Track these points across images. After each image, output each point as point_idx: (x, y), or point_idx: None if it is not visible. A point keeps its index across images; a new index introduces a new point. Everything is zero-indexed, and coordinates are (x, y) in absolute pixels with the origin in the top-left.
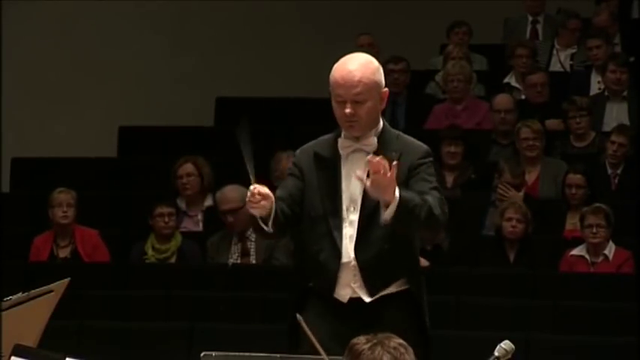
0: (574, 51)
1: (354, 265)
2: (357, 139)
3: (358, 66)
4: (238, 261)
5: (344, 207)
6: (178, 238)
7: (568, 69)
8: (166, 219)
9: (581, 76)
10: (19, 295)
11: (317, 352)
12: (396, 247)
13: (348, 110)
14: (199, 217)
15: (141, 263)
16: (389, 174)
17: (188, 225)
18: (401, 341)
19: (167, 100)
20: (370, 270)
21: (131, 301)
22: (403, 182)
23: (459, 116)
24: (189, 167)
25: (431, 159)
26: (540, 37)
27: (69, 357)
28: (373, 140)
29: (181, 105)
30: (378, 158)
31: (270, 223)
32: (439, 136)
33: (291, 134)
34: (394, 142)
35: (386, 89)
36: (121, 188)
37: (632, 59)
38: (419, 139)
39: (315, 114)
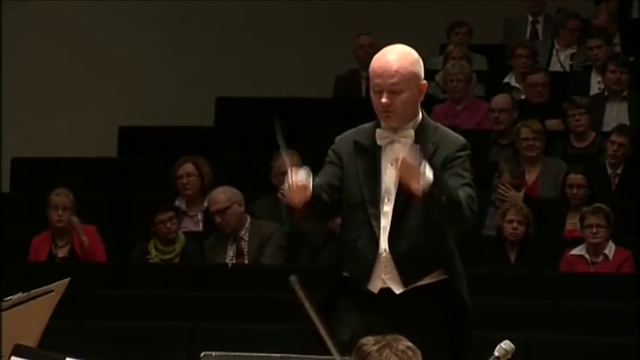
0: (574, 51)
1: (386, 257)
2: (394, 130)
3: (396, 56)
4: (233, 261)
5: (381, 197)
6: (182, 239)
7: (568, 69)
8: (168, 224)
9: (581, 76)
10: (19, 295)
11: (309, 318)
12: (430, 239)
13: (384, 100)
14: (199, 217)
15: (141, 263)
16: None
17: (188, 225)
18: (409, 344)
19: (167, 100)
20: (404, 261)
21: (131, 301)
22: (436, 170)
23: (459, 116)
24: (189, 167)
25: (467, 152)
26: (540, 37)
27: (69, 357)
28: (410, 132)
29: (181, 105)
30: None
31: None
32: None
33: (291, 134)
34: (432, 134)
35: (425, 81)
36: (121, 188)
37: (631, 59)
38: None
39: (316, 114)
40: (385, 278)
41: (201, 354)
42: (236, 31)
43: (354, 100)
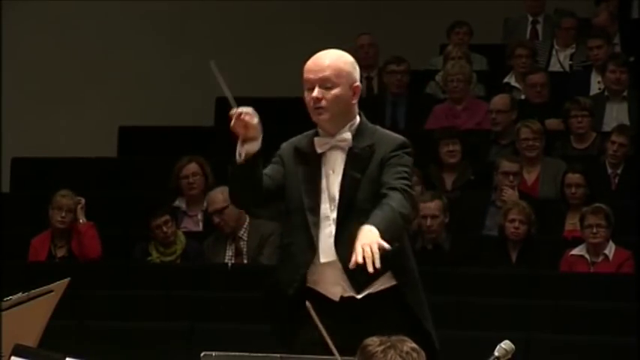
0: (573, 51)
1: (336, 263)
2: (332, 135)
3: (331, 54)
4: (232, 261)
5: (323, 204)
6: (182, 240)
7: (567, 69)
8: (164, 228)
9: (581, 76)
10: (19, 295)
11: (325, 340)
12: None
13: (314, 94)
14: (199, 217)
15: (141, 263)
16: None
17: (188, 225)
18: (414, 345)
19: (167, 100)
20: (351, 272)
21: (131, 301)
22: (377, 176)
23: (459, 116)
24: (194, 167)
25: (406, 150)
26: (540, 37)
27: (69, 357)
28: (348, 136)
29: (181, 105)
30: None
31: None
32: (435, 136)
33: (291, 134)
34: (369, 137)
35: (358, 84)
36: (121, 188)
37: (632, 59)
38: (419, 140)
39: None
40: (344, 285)
41: (201, 354)
42: (236, 31)
43: None
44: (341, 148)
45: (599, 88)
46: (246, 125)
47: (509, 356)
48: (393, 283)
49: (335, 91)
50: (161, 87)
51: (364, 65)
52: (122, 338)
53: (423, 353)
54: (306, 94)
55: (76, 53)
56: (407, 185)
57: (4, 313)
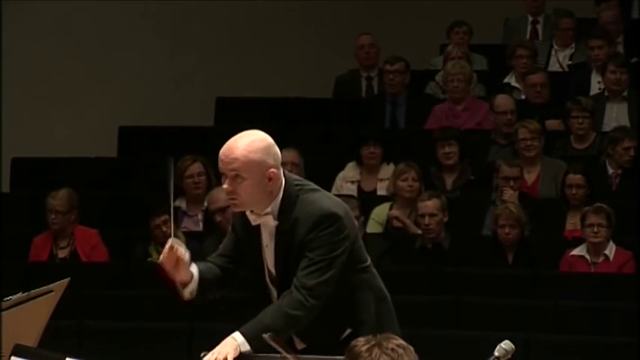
0: (572, 51)
1: None
2: (257, 214)
3: (240, 143)
4: None
5: (266, 277)
6: (183, 240)
7: (567, 69)
8: (164, 228)
9: (581, 76)
10: (19, 295)
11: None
12: (326, 308)
13: (225, 185)
14: (199, 217)
15: (141, 263)
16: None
17: (188, 225)
18: (400, 342)
19: (167, 100)
20: (304, 333)
21: (131, 301)
22: (297, 255)
23: (459, 116)
24: (199, 166)
25: (323, 227)
26: (540, 38)
27: (69, 357)
28: (270, 219)
29: (181, 105)
30: None
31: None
32: (433, 138)
33: (291, 134)
34: (291, 213)
35: (273, 170)
36: (121, 188)
37: (634, 60)
38: (419, 140)
39: (315, 114)
40: (300, 345)
41: (202, 354)
42: (236, 31)
43: (354, 100)
44: (269, 226)
45: (599, 88)
46: (177, 260)
47: (509, 356)
48: (349, 332)
49: (246, 183)
50: (161, 87)
51: (364, 65)
52: (122, 338)
53: (410, 349)
54: (222, 180)
55: (76, 53)
56: (316, 278)
57: (4, 313)
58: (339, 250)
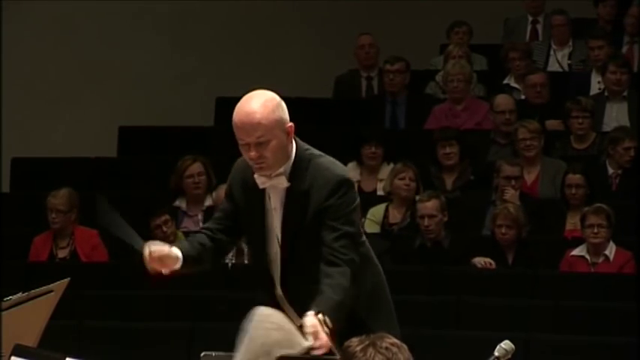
0: (570, 49)
1: (281, 297)
2: (267, 176)
3: (257, 107)
4: (233, 261)
5: (270, 243)
6: (182, 240)
7: (566, 68)
8: (164, 228)
9: (581, 76)
10: (19, 295)
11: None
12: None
13: (253, 154)
14: (199, 217)
15: (141, 263)
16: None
17: (188, 225)
18: (394, 340)
19: (167, 100)
20: (299, 304)
21: (131, 301)
22: (314, 228)
23: (459, 116)
24: (199, 166)
25: (342, 191)
26: (540, 38)
27: (69, 357)
28: (283, 179)
29: (181, 105)
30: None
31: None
32: (433, 138)
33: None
34: (304, 174)
35: (291, 123)
36: (120, 188)
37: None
38: (418, 140)
39: (316, 114)
40: (293, 317)
41: (201, 354)
42: (236, 31)
43: (354, 100)
44: (280, 188)
45: (599, 89)
46: (160, 258)
47: (509, 356)
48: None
49: (272, 144)
50: (161, 87)
51: (364, 65)
52: (122, 338)
53: (404, 347)
54: (240, 148)
55: (75, 53)
56: (348, 241)
57: (4, 313)
58: (358, 216)
